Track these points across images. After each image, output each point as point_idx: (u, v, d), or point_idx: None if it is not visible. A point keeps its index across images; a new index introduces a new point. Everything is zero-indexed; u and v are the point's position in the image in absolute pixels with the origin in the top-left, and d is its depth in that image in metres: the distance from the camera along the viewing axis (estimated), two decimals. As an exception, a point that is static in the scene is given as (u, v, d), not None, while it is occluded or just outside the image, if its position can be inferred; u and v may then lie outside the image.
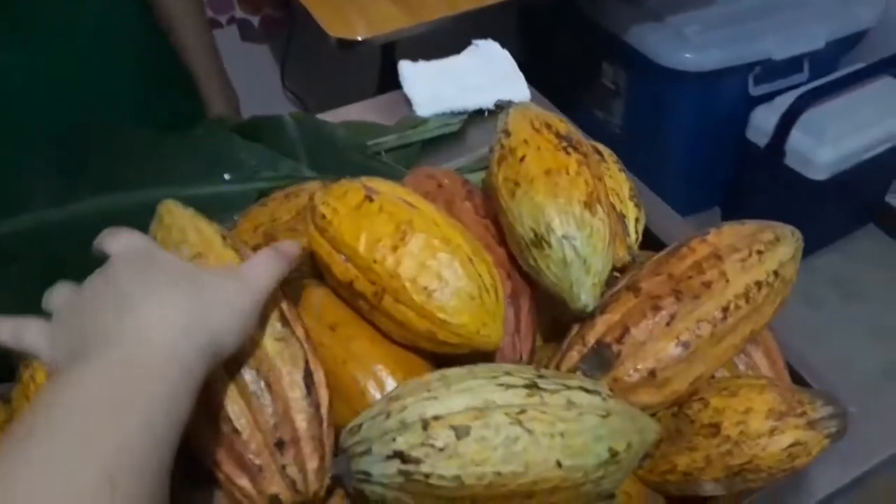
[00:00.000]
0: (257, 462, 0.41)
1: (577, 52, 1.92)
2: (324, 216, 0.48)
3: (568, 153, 0.52)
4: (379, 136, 0.87)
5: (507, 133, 0.54)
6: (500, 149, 0.54)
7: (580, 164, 0.52)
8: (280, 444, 0.42)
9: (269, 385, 0.42)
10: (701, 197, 1.93)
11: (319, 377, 0.44)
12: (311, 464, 0.43)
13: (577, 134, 0.55)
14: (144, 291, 0.38)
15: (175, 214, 0.48)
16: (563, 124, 0.55)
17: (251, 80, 2.06)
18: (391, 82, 1.67)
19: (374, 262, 0.46)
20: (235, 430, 0.41)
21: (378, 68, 1.74)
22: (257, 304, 0.42)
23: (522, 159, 0.52)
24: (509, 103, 0.58)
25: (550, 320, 0.59)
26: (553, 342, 0.59)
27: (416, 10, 1.31)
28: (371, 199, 0.48)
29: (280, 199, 0.57)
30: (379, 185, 0.49)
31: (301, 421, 0.43)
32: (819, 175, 1.65)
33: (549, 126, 0.54)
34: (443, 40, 1.19)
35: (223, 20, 1.95)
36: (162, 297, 0.38)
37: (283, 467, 0.42)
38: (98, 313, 0.38)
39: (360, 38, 1.24)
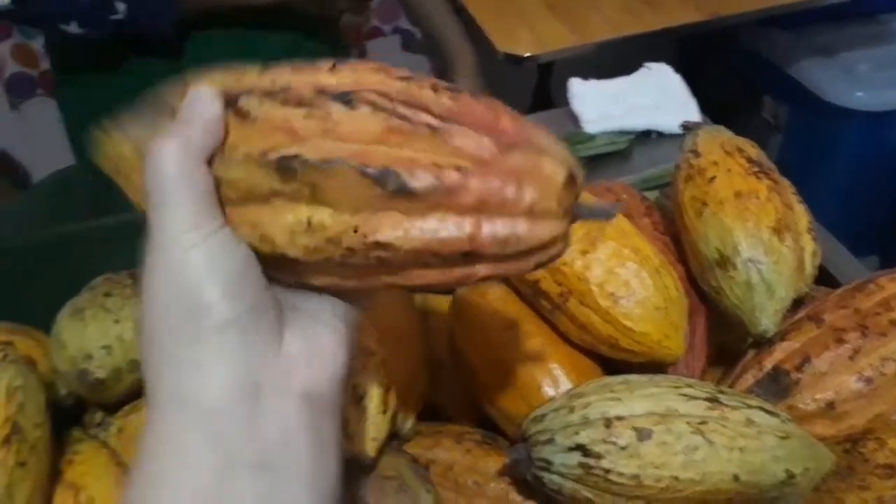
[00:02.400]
0: None
1: (736, 84, 1.87)
2: (516, 216, 0.51)
3: (759, 178, 0.53)
4: (546, 149, 0.89)
5: (697, 153, 0.55)
6: (688, 168, 0.55)
7: (771, 189, 0.52)
8: None
9: None
10: (859, 242, 1.83)
11: None
12: None
13: (767, 160, 0.55)
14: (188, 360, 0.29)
15: None
16: (755, 150, 0.56)
17: (407, 89, 2.14)
18: (545, 101, 1.70)
19: (563, 264, 0.48)
20: None
21: (532, 87, 1.77)
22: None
23: (712, 180, 0.53)
24: (697, 124, 0.59)
25: (717, 345, 0.59)
26: (718, 367, 0.59)
27: (583, 30, 1.34)
28: (564, 205, 0.50)
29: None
30: (572, 191, 0.51)
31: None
32: None
33: (740, 150, 0.55)
34: (600, 61, 1.20)
35: (387, 29, 2.04)
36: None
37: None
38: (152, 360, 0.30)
39: (526, 55, 1.27)
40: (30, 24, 0.86)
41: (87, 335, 0.51)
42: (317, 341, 0.31)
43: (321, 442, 0.30)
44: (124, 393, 0.52)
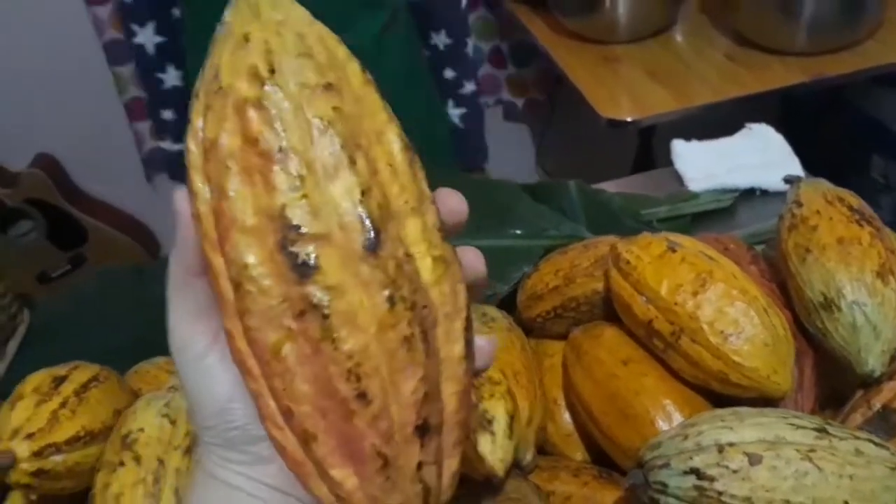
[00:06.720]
0: (384, 451, 0.27)
1: (843, 143, 1.86)
2: (628, 262, 0.55)
3: (861, 225, 0.55)
4: (651, 206, 0.93)
5: (799, 203, 0.59)
6: (791, 218, 0.58)
7: (873, 236, 0.55)
8: (423, 430, 0.28)
9: (423, 332, 0.28)
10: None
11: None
12: (451, 463, 0.29)
13: (868, 209, 0.58)
14: None
15: (283, 8, 0.30)
16: (855, 199, 0.58)
17: (508, 156, 2.23)
18: (646, 163, 1.74)
19: (675, 304, 0.52)
20: (361, 395, 0.27)
21: (634, 150, 1.82)
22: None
23: (815, 228, 0.56)
24: (799, 178, 0.62)
25: (828, 389, 0.60)
26: (830, 409, 0.60)
27: (684, 94, 1.38)
28: (673, 251, 0.54)
29: (579, 249, 0.65)
30: (680, 239, 0.56)
31: (452, 396, 0.29)
32: None
33: (841, 199, 0.58)
34: (703, 123, 1.24)
35: (491, 101, 2.14)
36: None
37: (420, 465, 0.28)
38: None
39: (629, 119, 1.33)
40: None
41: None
42: None
43: None
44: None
